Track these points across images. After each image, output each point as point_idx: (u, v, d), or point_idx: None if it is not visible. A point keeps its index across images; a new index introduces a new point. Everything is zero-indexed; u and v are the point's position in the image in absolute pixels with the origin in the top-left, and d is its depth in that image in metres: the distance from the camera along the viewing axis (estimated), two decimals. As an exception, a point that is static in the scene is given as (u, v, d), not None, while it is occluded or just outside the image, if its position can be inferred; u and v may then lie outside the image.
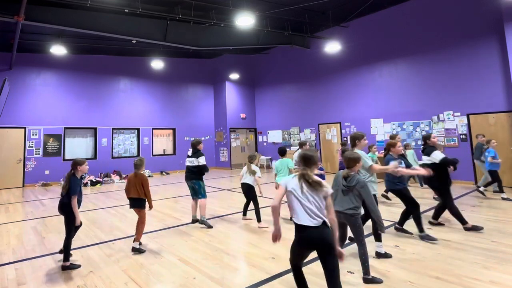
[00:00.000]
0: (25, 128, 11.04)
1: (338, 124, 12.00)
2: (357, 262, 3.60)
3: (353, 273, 3.33)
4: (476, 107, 8.58)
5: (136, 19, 9.57)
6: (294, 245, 2.63)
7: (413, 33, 9.89)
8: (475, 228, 4.55)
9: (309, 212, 2.42)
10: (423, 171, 4.14)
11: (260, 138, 15.55)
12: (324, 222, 2.42)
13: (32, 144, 11.10)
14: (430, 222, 4.98)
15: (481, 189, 6.98)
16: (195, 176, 5.48)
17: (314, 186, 2.44)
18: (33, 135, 11.14)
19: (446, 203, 4.66)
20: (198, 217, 5.48)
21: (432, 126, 9.42)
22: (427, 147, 4.83)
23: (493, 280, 3.07)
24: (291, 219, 5.65)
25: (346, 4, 10.08)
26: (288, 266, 3.54)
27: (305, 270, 3.43)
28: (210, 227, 5.26)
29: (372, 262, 3.58)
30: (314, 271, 3.40)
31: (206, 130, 15.32)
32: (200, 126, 15.13)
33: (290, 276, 3.30)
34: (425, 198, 6.87)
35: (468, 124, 8.71)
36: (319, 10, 10.32)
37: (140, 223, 4.24)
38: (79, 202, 3.83)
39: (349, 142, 4.42)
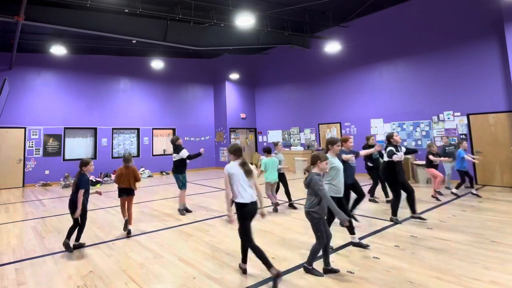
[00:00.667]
0: (25, 128, 11.04)
1: (338, 124, 12.00)
2: (357, 262, 3.60)
3: (353, 273, 3.33)
4: (476, 107, 8.58)
5: (136, 19, 9.57)
6: (246, 223, 3.27)
7: (413, 33, 9.89)
8: (396, 222, 5.04)
9: (250, 192, 3.32)
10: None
11: (260, 138, 15.56)
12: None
13: (32, 144, 11.10)
14: (412, 217, 5.19)
15: (454, 191, 7.11)
16: (175, 169, 6.36)
17: (249, 173, 3.37)
18: (33, 135, 11.14)
19: (394, 194, 5.13)
20: (188, 206, 6.36)
21: (432, 126, 9.42)
22: (388, 145, 5.28)
23: (493, 280, 3.07)
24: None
25: (346, 4, 10.08)
26: (288, 266, 3.55)
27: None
28: (182, 214, 6.11)
29: (372, 262, 3.58)
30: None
31: (206, 130, 15.32)
32: (200, 126, 15.13)
33: (290, 276, 3.30)
34: (425, 198, 6.87)
35: (468, 124, 8.71)
36: (319, 10, 10.32)
37: (131, 208, 5.13)
38: (86, 200, 4.41)
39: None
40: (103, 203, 7.71)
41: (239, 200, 3.29)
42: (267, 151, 6.33)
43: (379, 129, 10.69)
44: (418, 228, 4.78)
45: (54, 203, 7.82)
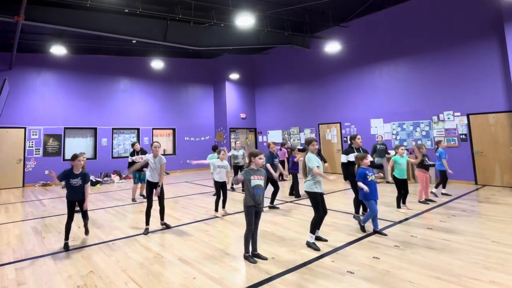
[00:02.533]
0: (25, 128, 11.04)
1: (338, 124, 12.00)
2: (357, 262, 3.60)
3: (353, 273, 3.33)
4: (476, 107, 8.58)
5: (136, 19, 9.57)
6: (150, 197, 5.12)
7: (413, 33, 9.89)
8: (357, 220, 5.04)
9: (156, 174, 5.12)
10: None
11: (260, 138, 15.55)
12: None
13: (32, 144, 11.10)
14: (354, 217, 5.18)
15: (434, 191, 7.03)
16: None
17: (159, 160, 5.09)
18: (33, 135, 11.14)
19: (355, 193, 5.36)
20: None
21: (432, 126, 9.43)
22: (349, 147, 5.56)
23: (493, 280, 3.07)
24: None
25: (346, 4, 10.08)
26: (288, 266, 3.55)
27: (304, 270, 3.43)
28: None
29: (372, 262, 3.58)
30: (313, 270, 3.40)
31: (206, 130, 15.32)
32: (200, 126, 15.13)
33: (291, 276, 3.30)
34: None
35: (468, 124, 8.71)
36: (319, 10, 10.32)
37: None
38: (69, 195, 4.61)
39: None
40: (103, 203, 7.71)
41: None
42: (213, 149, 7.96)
43: (379, 129, 10.68)
44: (418, 228, 4.78)
45: (54, 203, 7.82)
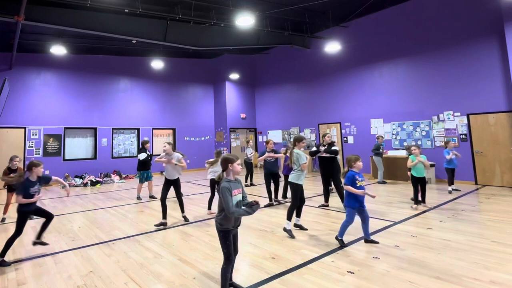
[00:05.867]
0: (25, 128, 11.04)
1: (338, 124, 12.00)
2: (357, 262, 3.60)
3: (353, 273, 3.33)
4: (476, 107, 8.58)
5: (136, 19, 9.57)
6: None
7: (413, 33, 9.89)
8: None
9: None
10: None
11: (260, 138, 15.55)
12: None
13: (32, 144, 11.09)
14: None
15: (449, 189, 7.55)
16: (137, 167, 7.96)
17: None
18: (33, 135, 11.13)
19: (336, 185, 6.28)
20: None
21: (432, 126, 9.42)
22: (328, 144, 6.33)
23: (493, 280, 3.07)
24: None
25: (346, 4, 10.08)
26: (288, 266, 3.55)
27: (304, 270, 3.43)
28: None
29: (372, 262, 3.58)
30: (313, 270, 3.40)
31: (206, 130, 15.32)
32: (200, 126, 15.13)
33: (291, 276, 3.30)
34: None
35: (468, 124, 8.71)
36: (319, 10, 10.33)
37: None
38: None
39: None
40: (103, 203, 7.70)
41: None
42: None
43: (379, 129, 10.69)
44: (418, 228, 4.78)
45: (54, 203, 7.81)
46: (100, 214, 6.54)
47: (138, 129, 13.39)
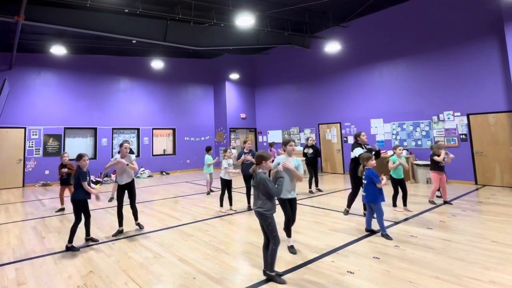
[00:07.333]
0: (25, 128, 11.04)
1: (338, 124, 12.00)
2: (357, 262, 3.60)
3: (353, 273, 3.33)
4: (476, 107, 8.58)
5: (136, 19, 9.57)
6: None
7: (413, 33, 9.89)
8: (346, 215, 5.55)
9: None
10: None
11: (260, 138, 15.55)
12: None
13: (32, 144, 11.10)
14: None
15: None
16: None
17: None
18: (33, 135, 11.13)
19: (353, 189, 5.67)
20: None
21: (432, 126, 9.42)
22: (354, 144, 5.66)
23: (493, 280, 3.07)
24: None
25: (346, 4, 10.08)
26: (288, 266, 3.55)
27: (304, 270, 3.43)
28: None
29: (372, 262, 3.58)
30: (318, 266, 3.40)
31: (206, 130, 15.32)
32: (200, 126, 15.13)
33: (291, 276, 3.30)
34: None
35: (468, 124, 8.71)
36: (319, 10, 10.32)
37: None
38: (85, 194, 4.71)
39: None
40: (103, 203, 7.70)
41: None
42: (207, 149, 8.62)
43: (379, 129, 10.69)
44: (418, 228, 4.78)
45: (54, 203, 7.81)
46: (100, 214, 6.55)
47: (138, 129, 13.39)
